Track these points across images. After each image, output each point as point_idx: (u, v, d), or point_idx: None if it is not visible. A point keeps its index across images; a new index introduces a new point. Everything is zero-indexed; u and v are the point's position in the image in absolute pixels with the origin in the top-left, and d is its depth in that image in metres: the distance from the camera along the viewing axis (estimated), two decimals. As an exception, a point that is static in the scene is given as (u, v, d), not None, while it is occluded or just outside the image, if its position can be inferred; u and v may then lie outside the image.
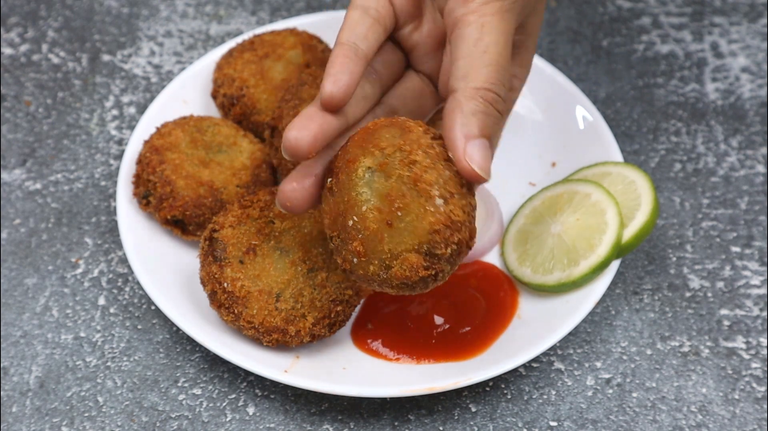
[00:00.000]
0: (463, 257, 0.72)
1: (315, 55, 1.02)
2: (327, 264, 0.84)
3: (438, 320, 0.88)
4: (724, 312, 0.93)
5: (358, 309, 0.89)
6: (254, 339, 0.84)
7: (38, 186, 1.03)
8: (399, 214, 0.69)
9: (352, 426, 0.86)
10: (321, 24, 1.09)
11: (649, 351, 0.91)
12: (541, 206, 0.93)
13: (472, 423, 0.86)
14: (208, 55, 1.06)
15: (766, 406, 0.87)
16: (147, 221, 0.93)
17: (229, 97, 0.98)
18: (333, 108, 0.73)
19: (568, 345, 0.91)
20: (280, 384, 0.88)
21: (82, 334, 0.91)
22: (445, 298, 0.89)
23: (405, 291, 0.72)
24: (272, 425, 0.86)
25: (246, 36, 1.05)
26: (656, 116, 1.10)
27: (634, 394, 0.88)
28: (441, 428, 0.86)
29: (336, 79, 0.72)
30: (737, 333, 0.92)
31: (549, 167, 1.00)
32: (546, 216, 0.91)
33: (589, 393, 0.88)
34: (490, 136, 0.71)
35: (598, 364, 0.90)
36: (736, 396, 0.88)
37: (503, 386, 0.88)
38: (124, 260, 0.97)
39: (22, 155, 1.06)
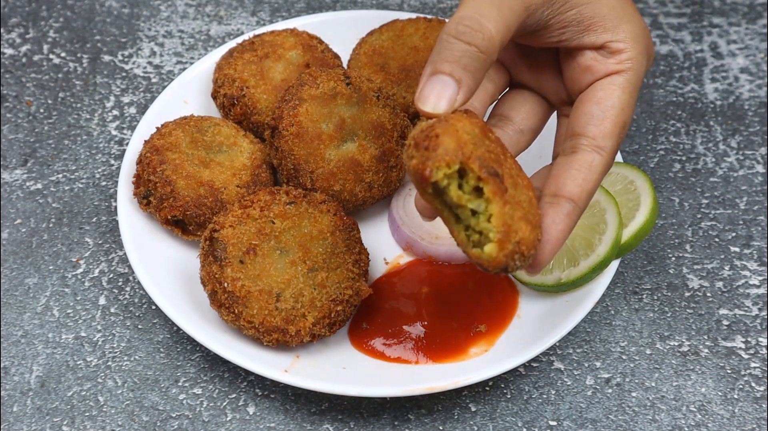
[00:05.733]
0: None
1: (315, 55, 1.02)
2: (327, 264, 0.84)
3: (435, 319, 0.88)
4: (723, 311, 0.94)
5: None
6: (254, 339, 0.84)
7: (39, 186, 1.04)
8: None
9: (352, 426, 0.86)
10: (321, 24, 1.09)
11: (648, 351, 0.91)
12: (540, 206, 0.93)
13: (471, 422, 0.86)
14: (208, 56, 1.06)
15: (765, 405, 0.87)
16: (147, 221, 0.93)
17: (229, 97, 0.98)
18: None
19: (567, 345, 0.91)
20: (280, 383, 0.88)
21: (83, 334, 0.92)
22: (445, 298, 0.89)
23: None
24: (272, 424, 0.86)
25: (246, 36, 1.05)
26: (655, 116, 1.11)
27: (634, 394, 0.88)
28: (441, 428, 0.86)
29: None
30: (736, 333, 0.92)
31: (549, 167, 1.00)
32: (545, 217, 0.91)
33: (589, 393, 0.88)
34: None
35: (598, 364, 0.90)
36: (736, 396, 0.88)
37: (503, 386, 0.88)
38: (124, 260, 0.97)
39: (23, 155, 1.06)
